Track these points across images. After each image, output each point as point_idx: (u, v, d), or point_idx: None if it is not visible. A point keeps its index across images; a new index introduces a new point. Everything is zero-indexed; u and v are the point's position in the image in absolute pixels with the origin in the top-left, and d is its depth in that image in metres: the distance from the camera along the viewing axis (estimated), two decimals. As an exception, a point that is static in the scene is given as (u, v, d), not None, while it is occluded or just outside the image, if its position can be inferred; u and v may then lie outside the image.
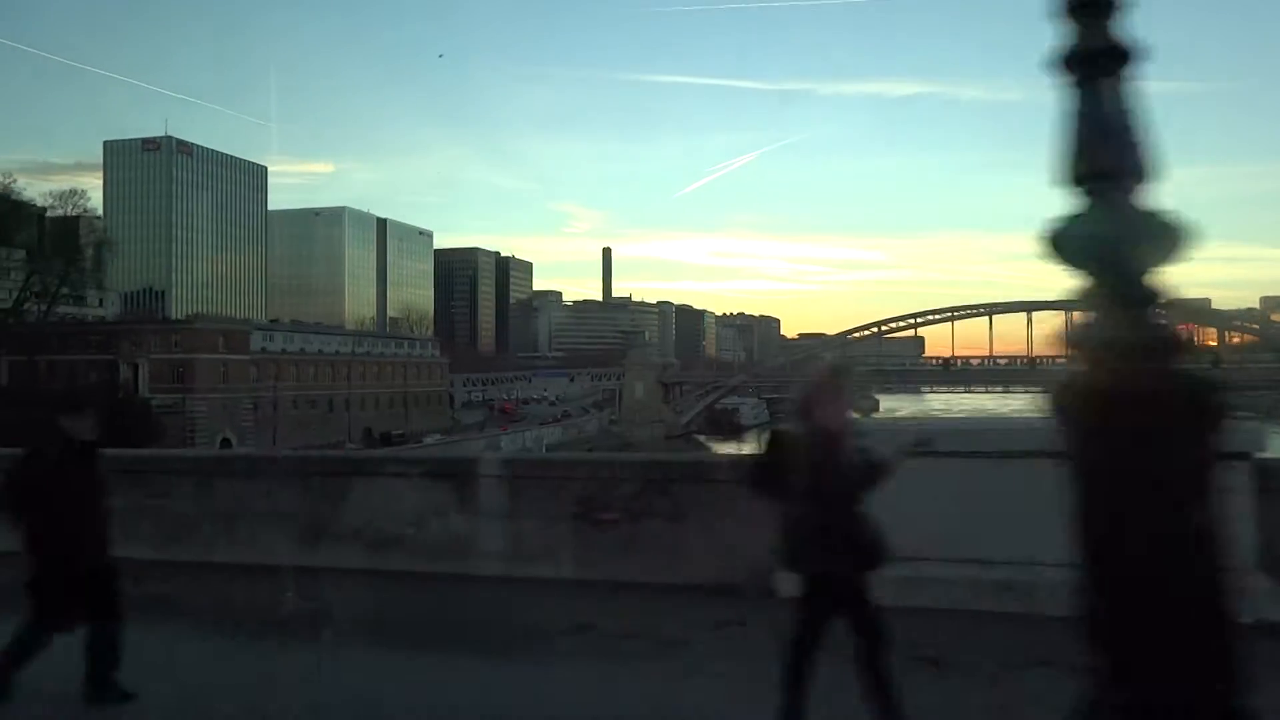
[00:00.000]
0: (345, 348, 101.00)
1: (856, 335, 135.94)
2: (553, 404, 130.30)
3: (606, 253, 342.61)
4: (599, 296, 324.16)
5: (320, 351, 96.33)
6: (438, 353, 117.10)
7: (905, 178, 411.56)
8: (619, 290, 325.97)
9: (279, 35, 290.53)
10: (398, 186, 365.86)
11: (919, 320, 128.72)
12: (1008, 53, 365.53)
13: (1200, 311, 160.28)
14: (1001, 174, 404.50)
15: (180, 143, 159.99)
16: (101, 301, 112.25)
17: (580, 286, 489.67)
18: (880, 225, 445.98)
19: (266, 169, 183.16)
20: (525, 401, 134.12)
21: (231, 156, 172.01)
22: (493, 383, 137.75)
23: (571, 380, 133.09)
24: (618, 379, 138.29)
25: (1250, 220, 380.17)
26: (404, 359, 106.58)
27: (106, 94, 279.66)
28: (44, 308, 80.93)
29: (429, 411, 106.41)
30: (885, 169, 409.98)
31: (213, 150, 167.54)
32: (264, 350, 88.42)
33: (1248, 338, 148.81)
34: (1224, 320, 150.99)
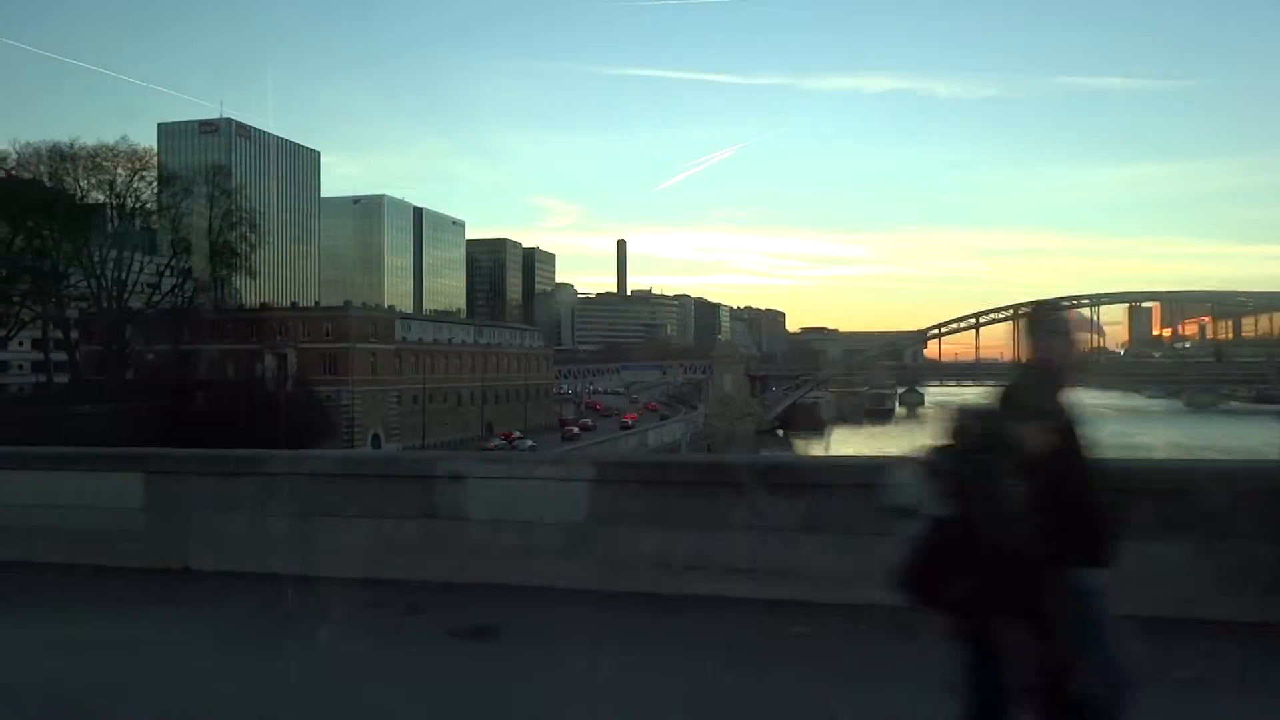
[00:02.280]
0: (468, 337, 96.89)
1: (947, 329, 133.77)
2: (631, 398, 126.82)
3: (621, 245, 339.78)
4: (597, 289, 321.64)
5: (450, 341, 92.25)
6: (543, 345, 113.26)
7: (882, 174, 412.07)
8: (606, 286, 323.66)
9: (255, 25, 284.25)
10: (374, 180, 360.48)
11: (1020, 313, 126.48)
12: (985, 50, 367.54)
13: (1222, 302, 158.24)
14: (978, 170, 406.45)
15: (239, 125, 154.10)
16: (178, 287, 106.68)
17: (569, 278, 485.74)
18: (858, 221, 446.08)
19: (319, 154, 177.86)
20: (598, 394, 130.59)
21: (287, 141, 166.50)
22: (575, 375, 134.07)
23: (664, 373, 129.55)
24: (704, 372, 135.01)
25: (1247, 215, 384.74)
26: (520, 351, 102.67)
27: (99, 88, 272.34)
28: (186, 295, 76.17)
29: (539, 406, 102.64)
30: (863, 165, 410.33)
31: (269, 134, 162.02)
32: (404, 340, 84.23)
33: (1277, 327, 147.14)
34: (1239, 309, 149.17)
